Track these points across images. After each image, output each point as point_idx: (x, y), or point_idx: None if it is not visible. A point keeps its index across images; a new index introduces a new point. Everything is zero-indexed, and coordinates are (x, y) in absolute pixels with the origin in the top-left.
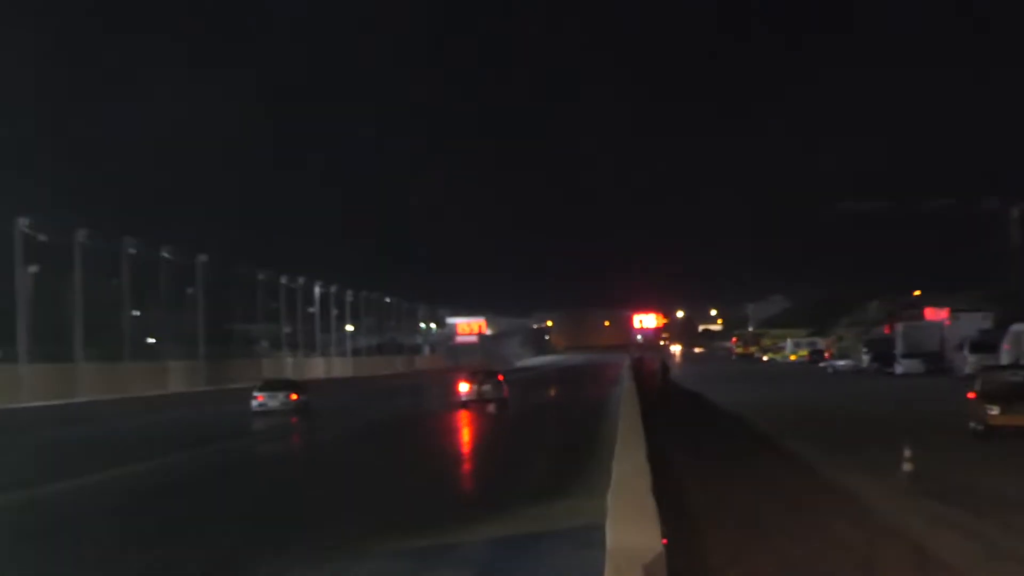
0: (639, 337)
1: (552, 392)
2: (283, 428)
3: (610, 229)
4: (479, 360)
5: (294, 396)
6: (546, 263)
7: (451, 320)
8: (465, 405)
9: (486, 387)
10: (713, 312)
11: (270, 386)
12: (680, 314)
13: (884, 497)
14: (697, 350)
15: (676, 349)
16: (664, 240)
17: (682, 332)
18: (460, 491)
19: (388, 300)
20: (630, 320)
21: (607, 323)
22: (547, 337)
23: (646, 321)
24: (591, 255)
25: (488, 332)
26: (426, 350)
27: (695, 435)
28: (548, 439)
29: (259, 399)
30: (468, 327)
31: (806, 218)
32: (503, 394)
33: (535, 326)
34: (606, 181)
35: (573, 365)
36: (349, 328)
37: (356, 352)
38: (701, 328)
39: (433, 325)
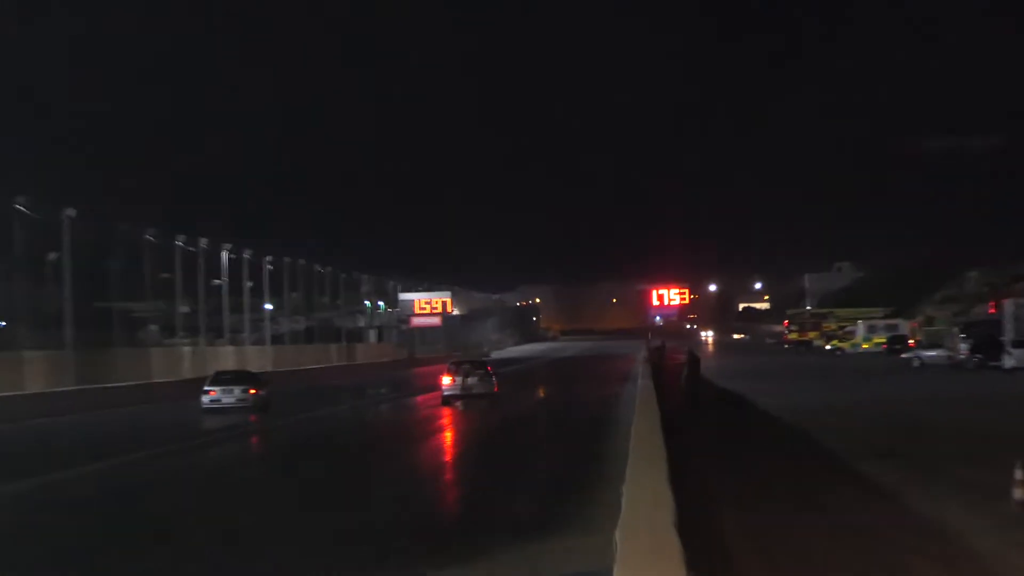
0: (658, 319)
1: (541, 393)
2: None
3: (620, 175)
4: (443, 349)
5: (253, 391)
6: (535, 221)
7: (405, 296)
8: (448, 401)
9: (472, 380)
10: (757, 286)
11: (224, 379)
12: (713, 288)
13: (988, 534)
14: (736, 337)
15: (708, 336)
16: (693, 189)
17: (715, 312)
18: (424, 523)
19: (321, 270)
20: (646, 296)
21: (615, 300)
22: (535, 319)
23: (667, 298)
24: (594, 211)
25: (455, 312)
26: (371, 336)
27: (735, 452)
28: (536, 457)
29: (211, 394)
30: (428, 305)
31: (881, 160)
32: (492, 388)
33: (519, 304)
34: (613, 109)
35: (570, 356)
36: (268, 307)
37: (278, 339)
38: (741, 307)
39: (383, 304)
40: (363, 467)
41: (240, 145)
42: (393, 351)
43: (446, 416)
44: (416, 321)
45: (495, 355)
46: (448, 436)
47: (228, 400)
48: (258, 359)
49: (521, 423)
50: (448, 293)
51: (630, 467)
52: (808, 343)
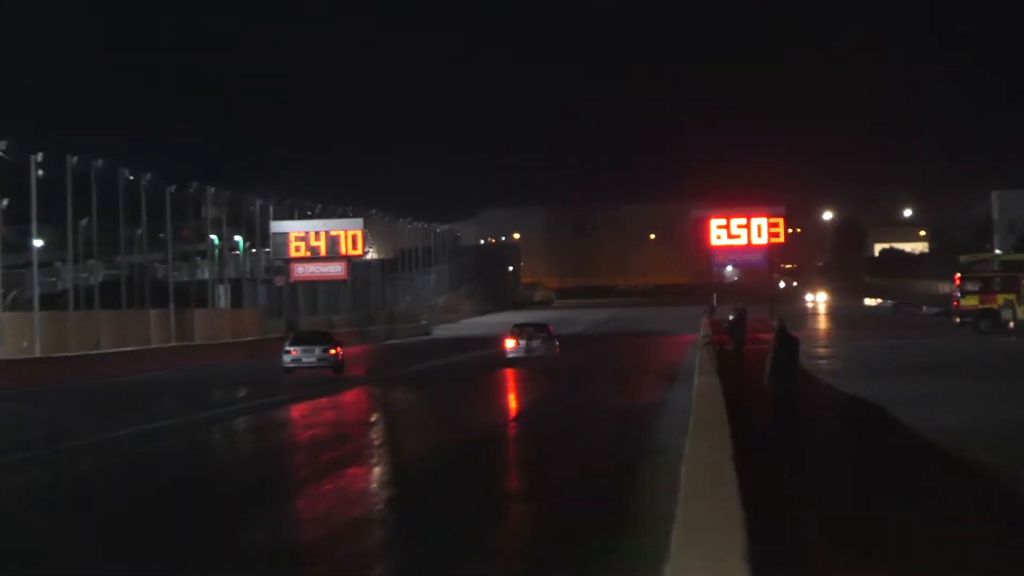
0: (728, 269)
1: (526, 399)
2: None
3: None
4: (346, 319)
5: (334, 351)
6: (515, 95)
7: (280, 228)
8: (512, 363)
9: (535, 343)
10: (906, 213)
11: (304, 339)
12: (828, 217)
13: None
14: (870, 302)
15: (817, 299)
16: (791, 44)
17: (832, 259)
18: None
19: (132, 178)
20: (702, 229)
21: (652, 236)
22: (511, 269)
23: (747, 232)
24: (612, 84)
25: (370, 254)
26: (221, 295)
27: (863, 502)
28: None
29: (292, 353)
30: (319, 242)
31: None
32: (555, 351)
33: (483, 242)
34: None
35: (576, 335)
36: (37, 244)
37: (53, 300)
38: (878, 249)
39: (241, 242)
40: None
41: None
42: (257, 322)
43: (345, 443)
44: (300, 271)
45: (442, 331)
46: (356, 481)
47: (308, 360)
48: (13, 336)
49: (491, 444)
50: (358, 223)
51: (676, 547)
52: (994, 313)
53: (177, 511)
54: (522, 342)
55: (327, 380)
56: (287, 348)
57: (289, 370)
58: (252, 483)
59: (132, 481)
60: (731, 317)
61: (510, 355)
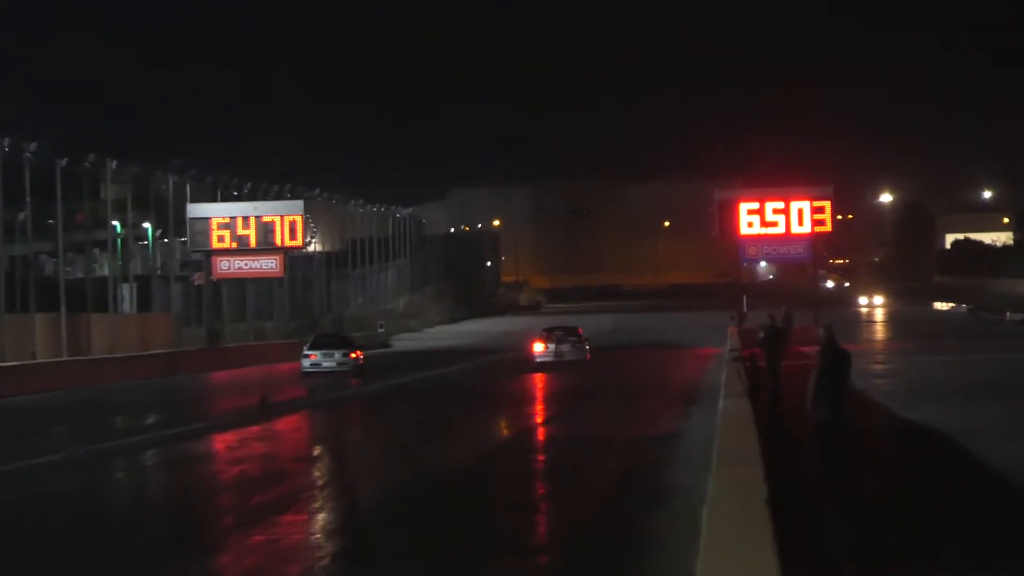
0: (762, 265)
1: (517, 423)
2: None
3: None
4: (282, 326)
5: (354, 354)
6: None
7: (199, 212)
8: (541, 367)
9: (565, 346)
10: (985, 195)
11: (323, 343)
12: (885, 199)
13: None
14: (941, 306)
15: (873, 303)
16: None
17: (893, 252)
18: None
19: (9, 149)
20: (729, 215)
21: (667, 223)
22: (489, 264)
23: (786, 218)
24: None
25: (313, 246)
26: (126, 297)
27: (927, 562)
28: None
29: (311, 358)
30: (248, 231)
31: None
32: (585, 356)
33: (454, 230)
34: None
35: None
36: None
37: None
38: (950, 240)
39: (150, 230)
40: None
41: None
42: (170, 330)
43: (281, 482)
44: (224, 267)
45: (403, 341)
46: (294, 530)
47: (328, 364)
48: None
49: (466, 484)
50: (298, 206)
51: None
52: None
53: (64, 571)
54: (551, 345)
55: (255, 409)
56: (305, 352)
57: (308, 375)
58: (163, 533)
59: (3, 533)
60: (762, 332)
61: (539, 359)
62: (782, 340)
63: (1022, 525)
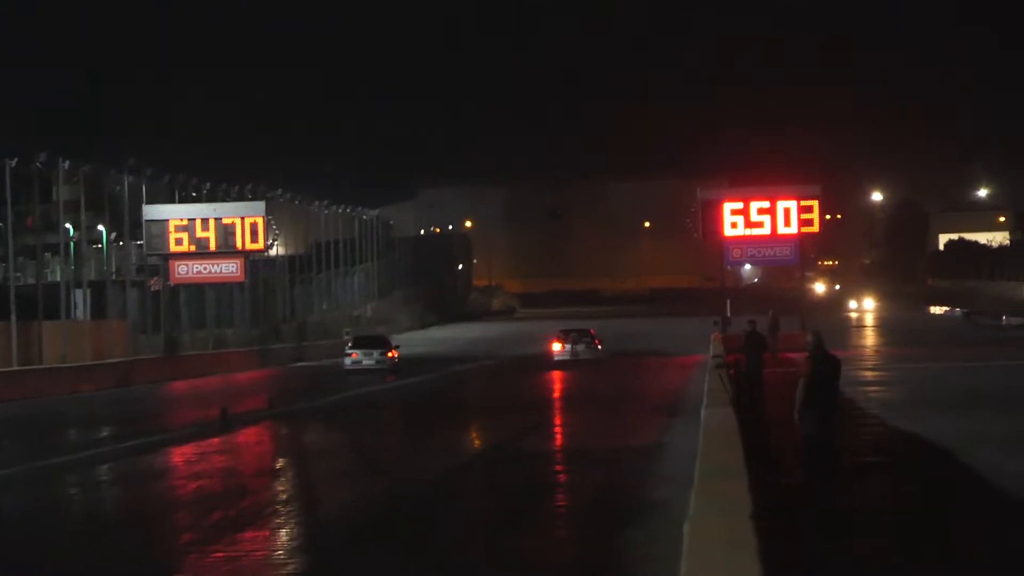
0: (747, 268)
1: (481, 438)
2: None
3: None
4: (244, 334)
5: (391, 353)
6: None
7: (156, 214)
8: (560, 365)
9: (580, 347)
10: (980, 193)
11: (364, 343)
12: (878, 198)
13: None
14: (936, 310)
15: (864, 307)
16: None
17: (885, 253)
18: None
19: None
20: (712, 215)
21: (647, 224)
22: (461, 267)
23: (771, 219)
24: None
25: (275, 250)
26: (79, 303)
27: None
28: None
29: (353, 356)
30: (208, 233)
31: None
32: (599, 355)
33: (424, 232)
34: None
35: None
36: None
37: None
38: (944, 240)
39: (105, 232)
40: None
41: None
42: (126, 337)
43: (242, 498)
44: (183, 271)
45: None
46: (255, 547)
47: (368, 362)
48: None
49: (437, 500)
50: (259, 207)
51: None
52: None
53: None
54: (568, 346)
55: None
56: (348, 352)
57: (350, 372)
58: (117, 551)
59: None
60: (748, 331)
61: (557, 358)
62: (764, 346)
63: (1013, 538)
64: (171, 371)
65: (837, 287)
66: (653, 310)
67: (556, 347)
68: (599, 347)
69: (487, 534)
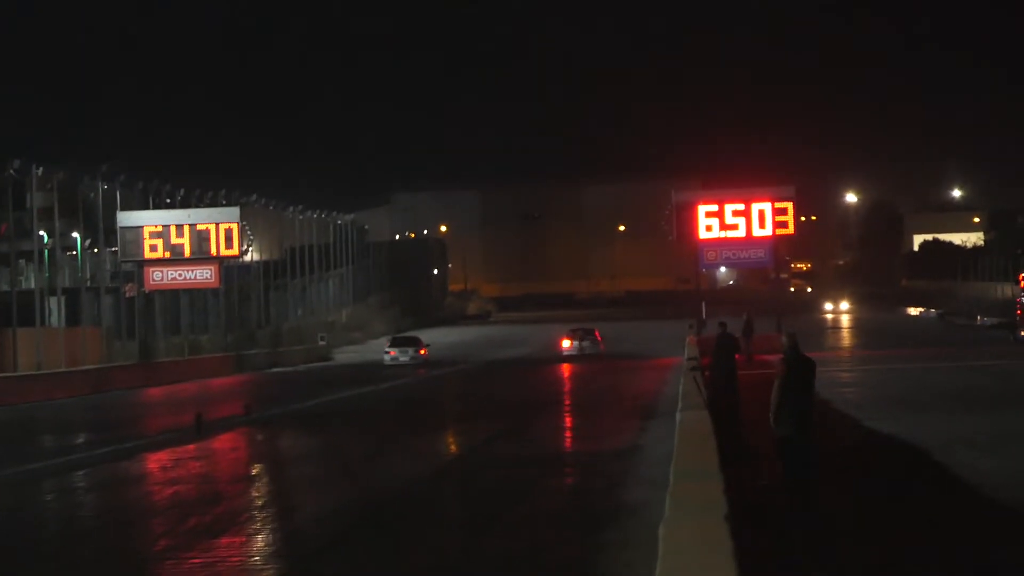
0: (722, 271)
1: (457, 443)
2: None
3: None
4: (219, 340)
5: (423, 351)
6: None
7: (130, 220)
8: (569, 359)
9: (586, 343)
10: (955, 194)
11: (400, 342)
12: (852, 199)
13: None
14: (912, 312)
15: (839, 308)
16: None
17: (859, 255)
18: None
19: None
20: (687, 218)
21: (622, 227)
22: (436, 272)
23: (746, 221)
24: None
25: (250, 255)
26: (54, 311)
27: None
28: None
29: (391, 354)
30: (183, 239)
31: None
32: (599, 349)
33: (399, 237)
34: None
35: (518, 359)
36: None
37: None
38: (918, 241)
39: (79, 239)
40: None
41: None
42: (100, 344)
43: (218, 503)
44: (157, 278)
45: (346, 354)
46: (231, 552)
47: (404, 359)
48: None
49: (412, 505)
50: (233, 213)
51: None
52: None
53: None
54: (575, 342)
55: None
56: (386, 350)
57: (388, 367)
58: (93, 557)
59: None
60: (720, 334)
61: (566, 353)
62: (737, 348)
63: (990, 539)
64: (146, 377)
65: (809, 289)
66: (628, 313)
67: (566, 344)
68: (600, 343)
69: (461, 538)
